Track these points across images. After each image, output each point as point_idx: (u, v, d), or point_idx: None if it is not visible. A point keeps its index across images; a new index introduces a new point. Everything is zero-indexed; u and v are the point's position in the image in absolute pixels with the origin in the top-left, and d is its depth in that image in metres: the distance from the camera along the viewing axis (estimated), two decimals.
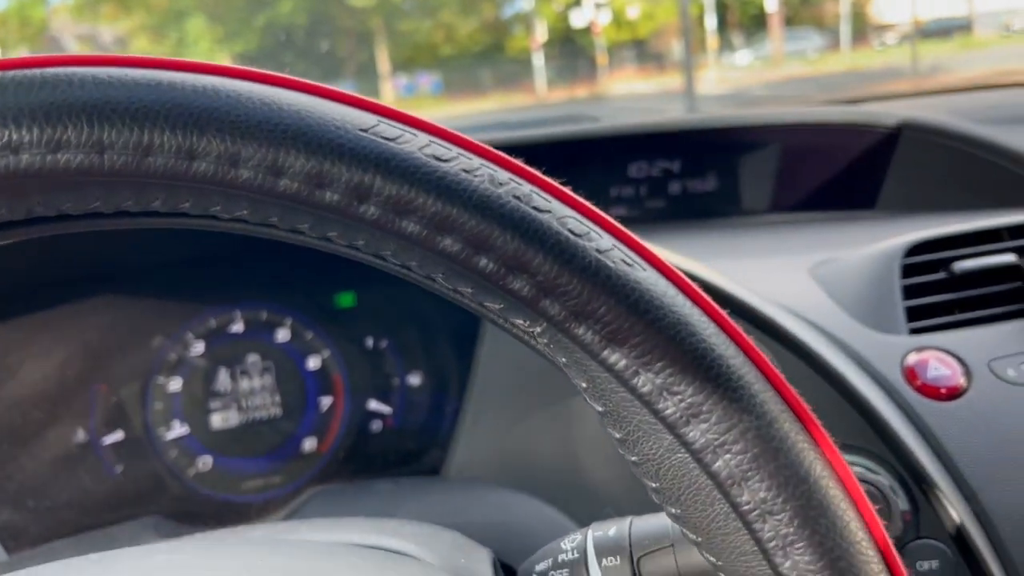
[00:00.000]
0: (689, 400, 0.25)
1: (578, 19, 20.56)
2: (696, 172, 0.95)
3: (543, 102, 17.45)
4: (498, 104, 17.72)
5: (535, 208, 0.24)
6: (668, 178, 0.95)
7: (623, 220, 0.98)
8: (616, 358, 0.24)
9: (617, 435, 0.27)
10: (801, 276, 0.67)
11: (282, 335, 0.72)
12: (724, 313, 0.26)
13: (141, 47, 22.39)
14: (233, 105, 0.23)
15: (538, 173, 0.26)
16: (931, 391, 0.55)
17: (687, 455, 0.26)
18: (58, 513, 0.65)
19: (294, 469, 0.72)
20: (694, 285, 0.26)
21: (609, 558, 0.39)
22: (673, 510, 0.28)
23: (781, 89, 12.10)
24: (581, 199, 0.27)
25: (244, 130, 0.23)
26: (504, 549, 0.37)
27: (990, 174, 0.84)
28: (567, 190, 0.26)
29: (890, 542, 0.25)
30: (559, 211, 0.25)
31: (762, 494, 0.25)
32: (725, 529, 0.26)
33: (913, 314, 0.60)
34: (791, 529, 0.25)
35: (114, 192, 0.24)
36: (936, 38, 17.75)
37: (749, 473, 0.25)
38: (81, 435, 0.67)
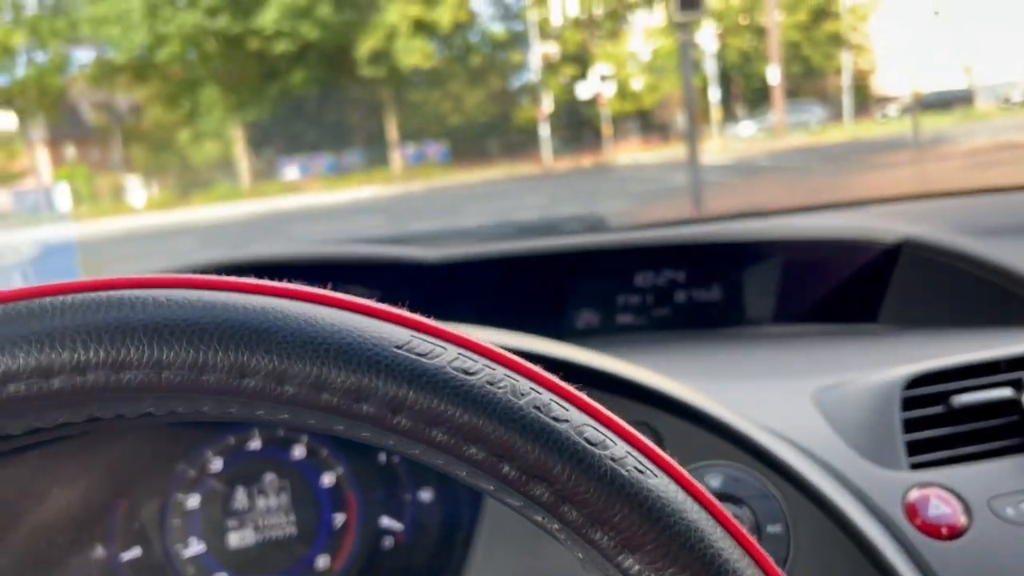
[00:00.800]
0: None
1: (584, 91, 20.99)
2: (702, 282, 0.98)
3: (549, 171, 17.69)
4: (505, 173, 17.97)
5: (554, 418, 0.27)
6: (674, 287, 0.98)
7: (629, 328, 0.99)
8: (630, 563, 0.27)
9: None
10: (803, 403, 0.68)
11: (298, 452, 0.74)
12: (730, 517, 0.28)
13: (155, 115, 22.83)
14: (280, 326, 0.25)
15: (557, 380, 0.28)
16: (932, 530, 0.56)
17: None
18: None
19: None
20: (702, 488, 0.28)
21: None
22: None
23: (783, 159, 12.27)
24: (597, 405, 0.29)
25: (290, 349, 0.25)
26: None
27: (990, 292, 0.86)
28: (583, 396, 0.29)
29: None
30: (576, 420, 0.27)
31: None
32: None
33: (914, 448, 0.62)
34: None
35: (167, 401, 0.26)
36: (937, 110, 18.05)
37: None
38: (100, 552, 0.68)
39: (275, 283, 0.27)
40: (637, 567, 0.26)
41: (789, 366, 0.84)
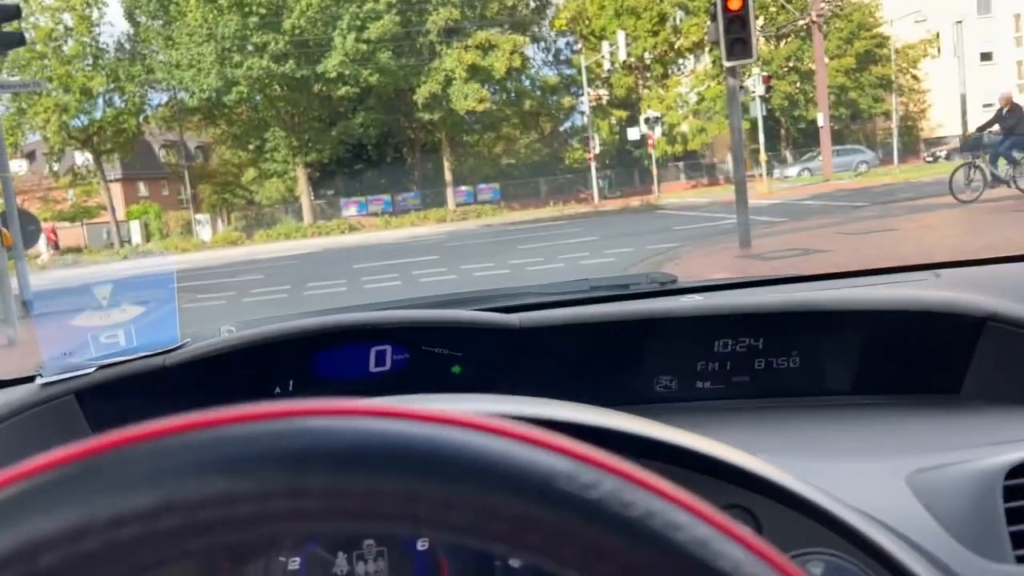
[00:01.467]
0: None
1: (633, 132, 21.12)
2: (780, 350, 0.98)
3: (597, 210, 17.82)
4: (554, 212, 18.10)
5: (716, 553, 0.26)
6: (753, 355, 0.98)
7: (710, 393, 1.07)
8: None
9: None
10: (899, 486, 0.66)
11: None
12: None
13: (223, 155, 23.42)
14: (451, 457, 0.25)
15: (716, 513, 0.27)
16: None
17: None
18: None
19: None
20: None
21: None
22: None
23: (829, 200, 12.14)
24: (757, 540, 0.27)
25: (460, 482, 0.25)
26: None
27: None
28: (741, 529, 0.27)
29: None
30: (734, 556, 0.26)
31: None
32: None
33: (1018, 540, 0.58)
34: None
35: (340, 523, 0.26)
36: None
37: None
38: None
39: (446, 414, 0.27)
40: None
41: (878, 444, 0.83)
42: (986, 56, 24.85)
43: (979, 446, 0.71)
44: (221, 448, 0.24)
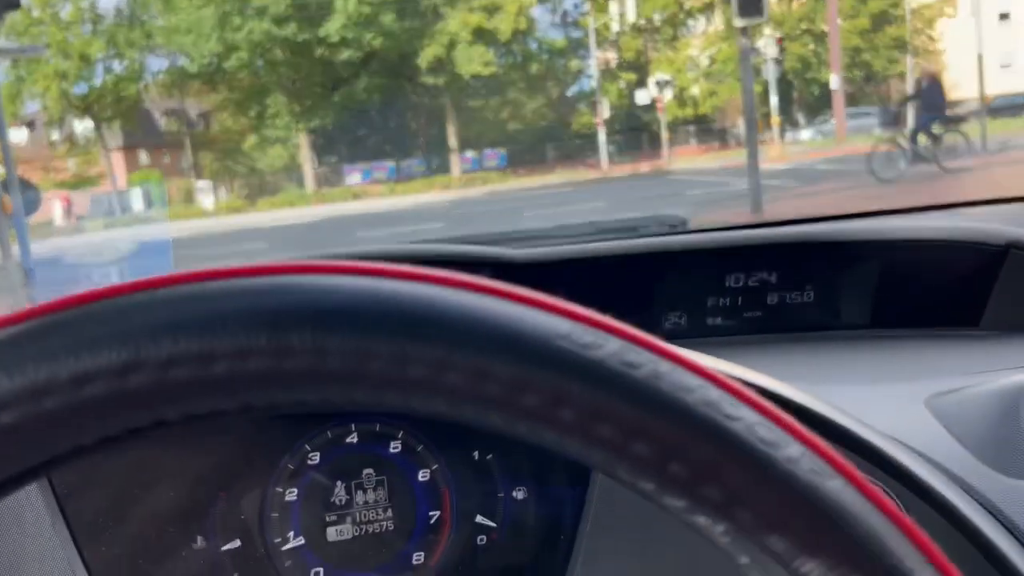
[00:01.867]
0: None
1: (642, 96, 20.88)
2: (795, 284, 0.94)
3: (606, 176, 17.63)
4: (562, 178, 17.96)
5: (726, 416, 0.25)
6: (766, 289, 0.95)
7: (718, 331, 0.96)
8: (809, 568, 0.25)
9: None
10: (918, 409, 0.65)
11: (394, 447, 0.74)
12: (913, 524, 0.26)
13: (224, 121, 23.45)
14: (446, 316, 0.25)
15: (724, 376, 0.27)
16: None
17: None
18: None
19: None
20: (880, 493, 0.27)
21: None
22: None
23: (843, 165, 12.00)
24: (768, 403, 0.27)
25: (454, 340, 0.24)
26: None
27: None
28: (754, 393, 0.27)
29: None
30: (749, 418, 0.26)
31: None
32: None
33: None
34: None
35: (327, 388, 0.25)
36: (1004, 115, 17.47)
37: None
38: (201, 543, 0.69)
39: (442, 273, 0.26)
40: (817, 572, 0.25)
41: (895, 371, 0.81)
42: (1004, 16, 24.27)
43: (998, 370, 0.68)
44: (196, 304, 0.23)
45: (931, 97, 9.46)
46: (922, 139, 9.04)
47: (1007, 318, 0.89)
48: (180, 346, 0.23)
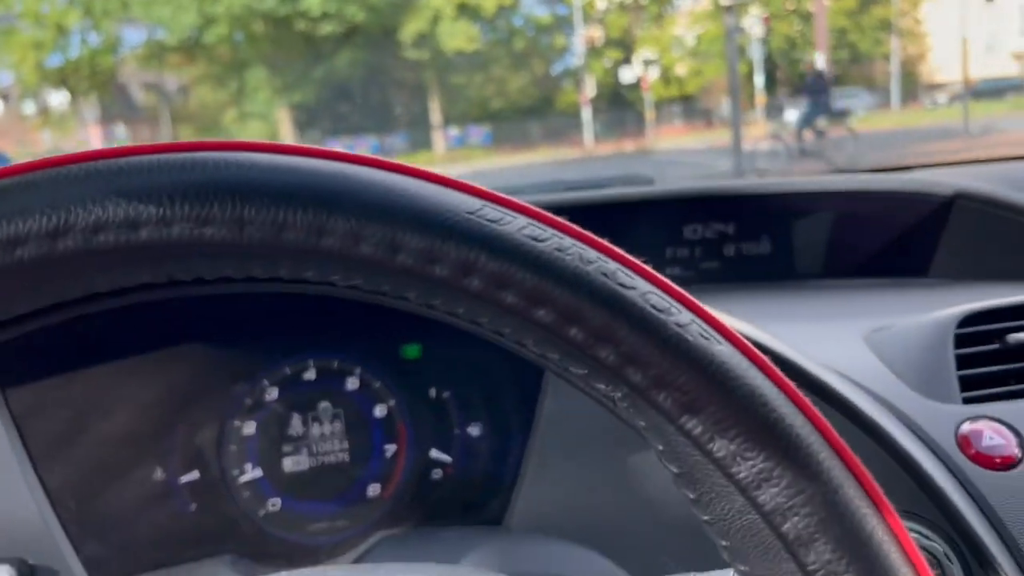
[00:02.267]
0: (761, 465, 0.27)
1: (627, 75, 20.81)
2: (751, 235, 0.97)
3: (591, 155, 17.60)
4: (546, 157, 17.89)
5: (621, 284, 0.27)
6: (723, 240, 0.97)
7: (678, 280, 0.99)
8: (693, 424, 0.27)
9: (691, 495, 0.30)
10: (856, 343, 0.68)
11: (351, 383, 0.76)
12: (793, 385, 0.28)
13: (203, 95, 23.16)
14: (359, 189, 0.26)
15: (623, 252, 0.29)
16: (985, 460, 0.56)
17: (757, 517, 0.28)
18: (139, 548, 0.69)
19: (359, 513, 0.74)
20: (765, 358, 0.29)
21: None
22: (742, 567, 0.30)
23: (828, 146, 12.07)
24: (662, 277, 0.29)
25: (367, 212, 0.26)
26: None
27: None
28: (649, 268, 0.29)
29: None
30: (642, 287, 0.28)
31: (827, 556, 0.27)
32: None
33: (967, 384, 0.61)
34: None
35: (246, 262, 0.27)
36: (988, 99, 17.57)
37: (816, 536, 0.27)
38: (160, 474, 0.71)
39: (351, 152, 0.28)
40: (700, 428, 0.27)
41: (840, 311, 0.84)
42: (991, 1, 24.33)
43: (938, 308, 0.70)
44: (124, 176, 0.24)
45: (816, 91, 9.35)
46: (807, 134, 8.92)
47: (955, 267, 0.91)
48: (107, 212, 0.24)
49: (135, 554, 0.68)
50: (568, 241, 0.27)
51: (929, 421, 0.58)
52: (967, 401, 0.60)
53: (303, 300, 0.76)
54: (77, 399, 0.67)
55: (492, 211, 0.27)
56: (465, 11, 20.49)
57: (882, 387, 0.61)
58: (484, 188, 0.29)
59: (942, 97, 21.22)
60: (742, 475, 0.27)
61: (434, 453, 0.76)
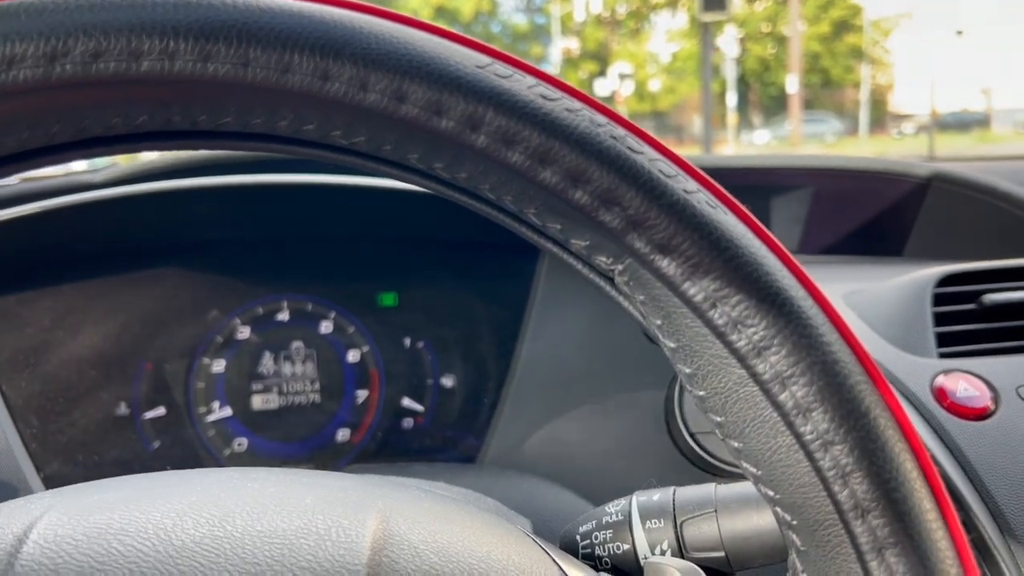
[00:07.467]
0: (761, 333, 0.27)
1: (602, 88, 20.99)
2: None
3: None
4: None
5: (630, 148, 0.27)
6: None
7: None
8: (695, 291, 0.27)
9: (687, 370, 0.29)
10: (835, 301, 0.69)
11: (325, 327, 0.74)
12: (794, 259, 0.28)
13: None
14: (365, 35, 0.25)
15: (632, 122, 0.29)
16: (960, 411, 0.56)
17: (755, 387, 0.28)
18: (103, 471, 0.67)
19: (326, 457, 0.73)
20: (767, 231, 0.28)
21: (653, 521, 0.40)
22: (736, 444, 0.29)
23: None
24: (671, 149, 0.29)
25: (374, 58, 0.25)
26: (536, 531, 0.38)
27: (1017, 226, 0.86)
28: (659, 140, 0.29)
29: (939, 479, 0.27)
30: (651, 154, 0.27)
31: (824, 425, 0.27)
32: (786, 461, 0.28)
33: (943, 340, 0.62)
34: (850, 460, 0.27)
35: (248, 110, 0.26)
36: (953, 131, 18.00)
37: (813, 405, 0.27)
38: (124, 409, 0.69)
39: (361, 2, 0.27)
40: (702, 294, 0.27)
41: (816, 275, 0.85)
42: (959, 33, 24.92)
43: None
44: (130, 8, 0.24)
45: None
46: None
47: (929, 248, 0.93)
48: (108, 40, 0.23)
49: (99, 477, 0.66)
50: (578, 104, 0.27)
51: (906, 373, 0.59)
52: (943, 356, 0.61)
53: (281, 242, 0.75)
54: (46, 317, 0.65)
55: (502, 68, 0.26)
56: (443, 14, 20.48)
57: (865, 345, 0.61)
58: (494, 48, 0.28)
59: (908, 127, 21.71)
60: (741, 344, 0.27)
61: (406, 402, 0.75)
